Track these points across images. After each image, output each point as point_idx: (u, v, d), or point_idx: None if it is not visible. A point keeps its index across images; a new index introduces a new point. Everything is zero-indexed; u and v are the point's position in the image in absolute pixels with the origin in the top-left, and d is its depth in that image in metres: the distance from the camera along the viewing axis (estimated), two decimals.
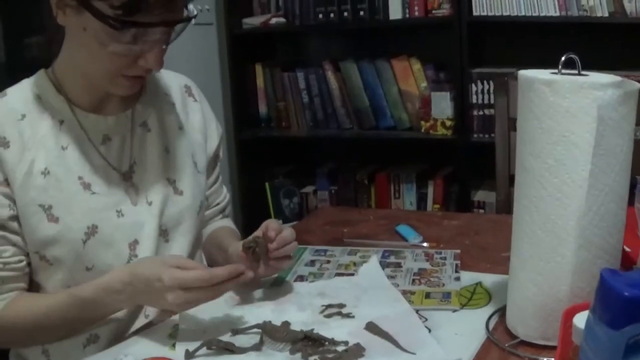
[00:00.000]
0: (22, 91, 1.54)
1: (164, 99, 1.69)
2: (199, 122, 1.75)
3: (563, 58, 1.21)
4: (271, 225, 1.51)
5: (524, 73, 1.23)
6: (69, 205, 1.50)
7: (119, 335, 1.45)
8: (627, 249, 1.35)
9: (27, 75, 1.58)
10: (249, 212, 4.00)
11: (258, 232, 1.51)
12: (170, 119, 1.67)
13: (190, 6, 1.42)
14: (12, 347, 1.62)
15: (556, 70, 1.22)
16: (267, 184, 4.02)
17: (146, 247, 1.56)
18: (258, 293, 1.56)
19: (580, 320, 0.99)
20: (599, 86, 1.15)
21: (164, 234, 1.60)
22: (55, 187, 1.49)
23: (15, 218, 1.48)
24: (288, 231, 1.53)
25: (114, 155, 1.57)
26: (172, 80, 1.74)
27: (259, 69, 4.01)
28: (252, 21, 3.89)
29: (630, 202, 1.25)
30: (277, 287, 1.59)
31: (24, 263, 1.51)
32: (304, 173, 4.09)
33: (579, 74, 1.21)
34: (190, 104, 1.75)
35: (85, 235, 1.50)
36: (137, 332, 1.45)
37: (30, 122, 1.50)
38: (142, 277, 1.38)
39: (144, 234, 1.57)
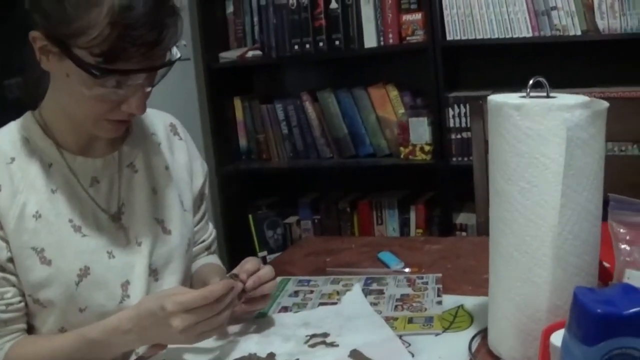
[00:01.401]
0: (10, 134, 1.55)
1: (150, 138, 1.70)
2: (185, 161, 1.76)
3: (531, 82, 1.23)
4: (245, 266, 1.52)
5: (493, 98, 1.25)
6: (61, 248, 1.51)
7: None
8: (606, 265, 1.36)
9: (7, 117, 1.59)
10: (233, 245, 4.00)
11: (236, 270, 1.52)
12: (156, 159, 1.69)
13: (174, 49, 1.43)
14: None
15: (525, 94, 1.24)
16: (250, 216, 4.02)
17: (137, 287, 1.57)
18: (242, 326, 1.57)
19: (557, 338, 1.01)
20: (567, 108, 1.17)
21: (153, 273, 1.62)
22: (46, 230, 1.50)
23: (11, 260, 1.48)
24: (265, 270, 1.54)
25: (102, 197, 1.58)
26: (157, 119, 1.75)
27: (237, 102, 4.03)
28: (229, 55, 3.91)
29: (604, 218, 1.27)
30: (261, 319, 1.60)
31: (23, 304, 1.51)
32: (286, 204, 4.10)
33: (548, 96, 1.23)
34: (175, 142, 1.77)
35: (77, 277, 1.51)
36: None
37: (19, 165, 1.51)
38: (146, 311, 1.39)
39: (134, 274, 1.58)
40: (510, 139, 1.20)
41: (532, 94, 1.24)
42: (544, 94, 1.24)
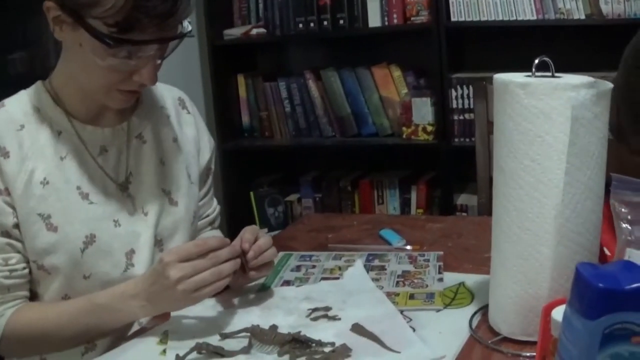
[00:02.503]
0: (20, 102, 1.56)
1: (159, 111, 1.72)
2: (193, 135, 1.78)
3: (536, 61, 1.24)
4: (245, 236, 1.53)
5: (499, 76, 1.26)
6: (68, 215, 1.52)
7: (116, 343, 1.46)
8: (607, 252, 1.37)
9: (10, 91, 1.60)
10: (234, 222, 4.01)
11: (236, 241, 1.53)
12: (165, 131, 1.70)
13: (185, 22, 1.44)
14: (16, 357, 1.64)
15: (530, 73, 1.25)
16: (251, 193, 4.04)
17: (142, 256, 1.59)
18: (245, 299, 1.59)
19: (559, 313, 1.02)
20: (572, 87, 1.17)
21: (158, 243, 1.63)
22: (54, 197, 1.51)
23: (18, 226, 1.50)
24: (264, 239, 1.55)
25: (110, 166, 1.59)
26: (166, 92, 1.77)
27: (240, 79, 4.03)
28: (233, 32, 3.91)
29: (606, 199, 1.28)
30: (263, 293, 1.62)
31: (27, 270, 1.53)
32: (288, 181, 4.11)
33: (553, 76, 1.24)
34: (183, 116, 1.78)
35: (83, 244, 1.52)
36: (128, 339, 1.46)
37: (29, 132, 1.52)
38: (149, 271, 1.44)
39: (140, 243, 1.59)
40: (516, 117, 1.21)
41: (537, 73, 1.24)
42: (549, 74, 1.25)
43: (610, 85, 1.22)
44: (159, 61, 1.46)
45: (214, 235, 1.89)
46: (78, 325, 1.48)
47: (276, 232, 2.06)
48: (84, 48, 1.40)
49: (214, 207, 1.94)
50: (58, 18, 1.40)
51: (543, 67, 1.24)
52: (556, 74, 1.25)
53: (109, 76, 1.44)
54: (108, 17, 1.33)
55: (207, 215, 1.90)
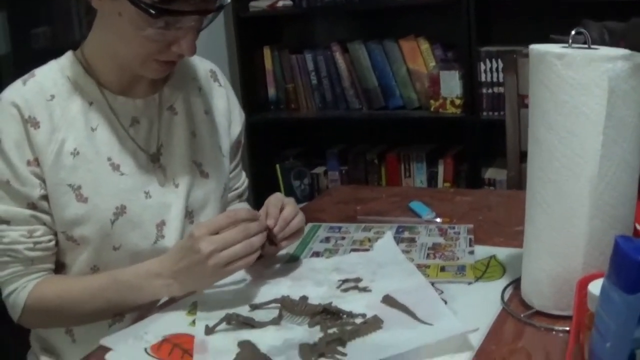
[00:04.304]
0: (51, 72, 1.55)
1: (190, 83, 1.71)
2: (224, 107, 1.77)
3: (573, 32, 1.22)
4: (270, 211, 1.52)
5: (535, 47, 1.24)
6: (98, 186, 1.52)
7: (144, 316, 1.45)
8: (639, 227, 1.36)
9: (34, 65, 1.59)
10: (260, 194, 3.98)
11: (262, 211, 1.53)
12: (196, 103, 1.70)
13: None
14: (37, 328, 1.65)
15: (566, 45, 1.23)
16: (277, 166, 4.04)
17: (173, 228, 1.59)
18: (274, 270, 1.59)
19: (595, 287, 1.01)
20: (609, 59, 1.16)
21: (189, 215, 1.63)
22: (84, 168, 1.51)
23: (45, 198, 1.50)
24: (289, 209, 1.54)
25: (142, 138, 1.59)
26: (198, 64, 1.76)
27: (267, 51, 4.02)
28: (259, 4, 3.90)
29: None
30: (292, 264, 1.61)
31: (53, 243, 1.53)
32: (314, 154, 4.11)
33: (589, 48, 1.22)
34: (215, 88, 1.77)
35: (114, 215, 1.53)
36: (157, 309, 1.46)
37: (59, 102, 1.52)
38: (176, 247, 1.44)
39: (170, 215, 1.59)
40: (553, 88, 1.19)
41: (573, 45, 1.23)
42: (585, 46, 1.23)
43: None
44: (197, 32, 1.45)
45: (243, 208, 1.89)
46: (100, 301, 1.49)
47: (303, 205, 2.05)
48: (122, 17, 1.40)
49: (242, 180, 1.94)
50: None
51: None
52: (592, 46, 1.23)
53: (148, 46, 1.43)
54: None
55: (236, 188, 1.91)
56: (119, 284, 1.47)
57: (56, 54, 1.59)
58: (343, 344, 1.22)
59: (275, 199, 1.56)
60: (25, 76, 1.55)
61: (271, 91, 4.06)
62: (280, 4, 3.87)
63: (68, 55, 1.57)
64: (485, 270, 1.51)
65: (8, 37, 3.06)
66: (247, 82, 3.96)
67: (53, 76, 1.55)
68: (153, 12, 1.35)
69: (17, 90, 1.51)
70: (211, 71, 1.79)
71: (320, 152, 4.06)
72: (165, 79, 1.64)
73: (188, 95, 1.69)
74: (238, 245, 1.37)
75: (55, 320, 1.57)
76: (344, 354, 1.19)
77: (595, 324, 0.97)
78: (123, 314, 1.55)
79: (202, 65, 1.78)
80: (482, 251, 1.61)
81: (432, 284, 1.43)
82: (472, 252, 1.61)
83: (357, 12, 3.97)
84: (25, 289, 1.50)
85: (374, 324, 1.27)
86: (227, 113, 1.78)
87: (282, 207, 1.53)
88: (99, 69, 1.55)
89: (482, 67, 3.47)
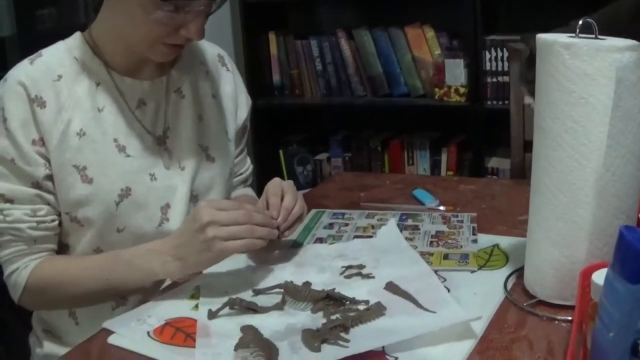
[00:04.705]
0: (58, 52, 1.55)
1: (198, 66, 1.71)
2: (231, 92, 1.77)
3: (580, 22, 1.22)
4: (270, 201, 1.52)
5: (542, 36, 1.24)
6: (104, 167, 1.52)
7: (147, 299, 1.46)
8: None
9: (39, 47, 1.58)
10: (263, 180, 3.97)
11: (262, 199, 1.54)
12: (203, 86, 1.70)
13: None
14: (37, 309, 1.65)
15: (574, 35, 1.23)
16: (281, 152, 4.04)
17: (178, 211, 1.59)
18: (278, 255, 1.59)
19: (599, 277, 1.01)
20: (617, 49, 1.16)
21: (194, 199, 1.63)
22: (90, 149, 1.51)
23: (50, 177, 1.50)
24: (289, 197, 1.54)
25: (148, 120, 1.59)
26: (206, 48, 1.76)
27: (272, 37, 4.01)
28: None
29: None
30: (296, 249, 1.62)
31: (56, 223, 1.53)
32: (317, 140, 4.10)
33: (597, 38, 1.22)
34: (223, 73, 1.77)
35: (118, 197, 1.53)
36: (160, 293, 1.47)
37: (66, 83, 1.52)
38: (180, 227, 1.45)
39: (176, 198, 1.59)
40: (559, 77, 1.19)
41: (580, 35, 1.23)
42: (592, 36, 1.23)
43: None
44: (205, 16, 1.45)
45: (246, 193, 1.90)
46: (99, 280, 1.49)
47: (306, 191, 2.05)
48: (131, 0, 1.40)
49: (247, 166, 1.94)
50: None
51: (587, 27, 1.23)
52: (599, 36, 1.23)
53: (157, 29, 1.43)
54: None
55: (241, 174, 1.91)
56: (117, 262, 1.47)
57: (61, 35, 1.59)
58: (346, 330, 1.22)
59: (274, 187, 1.56)
60: (33, 56, 1.54)
61: (276, 77, 4.05)
62: None
63: (76, 36, 1.57)
64: (488, 259, 1.52)
65: (13, 18, 3.06)
66: (252, 67, 3.95)
67: (60, 56, 1.54)
68: None
69: (24, 69, 1.51)
70: (219, 55, 1.79)
71: (324, 139, 4.06)
72: (173, 61, 1.64)
73: (195, 79, 1.68)
74: (240, 226, 1.37)
75: (56, 301, 1.56)
76: (347, 340, 1.20)
77: (599, 314, 0.97)
78: (125, 296, 1.56)
79: (210, 49, 1.77)
80: (486, 240, 1.62)
81: (435, 271, 1.43)
82: (475, 241, 1.61)
83: None
84: (26, 269, 1.50)
85: (376, 310, 1.28)
86: (234, 98, 1.78)
87: (282, 195, 1.53)
88: (107, 50, 1.55)
89: (487, 55, 3.47)
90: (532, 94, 1.69)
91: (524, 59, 1.96)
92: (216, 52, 1.79)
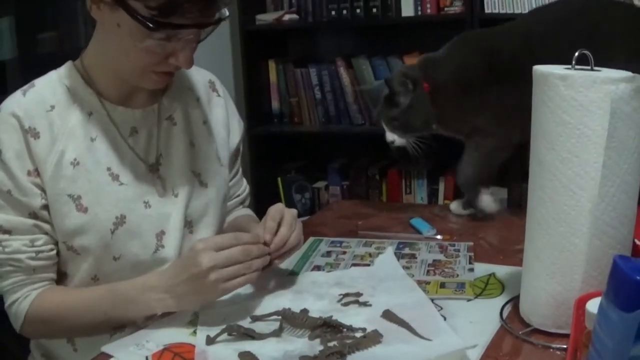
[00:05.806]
0: (51, 82, 1.56)
1: (189, 93, 1.72)
2: (223, 117, 1.78)
3: (576, 54, 1.24)
4: (267, 224, 1.51)
5: (539, 68, 1.26)
6: (98, 196, 1.53)
7: (146, 324, 1.46)
8: (638, 242, 1.37)
9: (39, 70, 1.60)
10: (261, 207, 3.98)
11: (259, 228, 1.53)
12: (195, 113, 1.70)
13: (224, 8, 1.44)
14: (39, 338, 1.65)
15: (570, 66, 1.25)
16: (279, 179, 4.03)
17: (172, 237, 1.60)
18: (276, 282, 1.60)
19: (594, 305, 1.02)
20: (612, 80, 1.17)
21: (189, 225, 1.64)
22: (84, 178, 1.52)
23: (46, 207, 1.51)
24: (285, 228, 1.52)
25: (141, 148, 1.60)
26: (196, 75, 1.76)
27: (271, 64, 4.02)
28: (265, 17, 3.91)
29: None
30: (294, 277, 1.63)
31: (55, 252, 1.54)
32: (315, 168, 4.09)
33: (592, 70, 1.24)
34: (214, 99, 1.78)
35: (113, 225, 1.53)
36: (159, 318, 1.47)
37: (59, 113, 1.53)
38: (176, 261, 1.46)
39: (170, 225, 1.60)
40: (555, 109, 1.21)
41: (576, 66, 1.24)
42: (588, 68, 1.24)
43: None
44: (195, 45, 1.46)
45: (247, 214, 1.91)
46: (97, 313, 1.49)
47: (304, 219, 2.06)
48: (121, 29, 1.40)
49: (244, 187, 1.95)
50: None
51: (583, 58, 1.24)
52: (595, 68, 1.24)
53: (145, 58, 1.43)
54: (150, 0, 1.33)
55: (238, 195, 1.93)
56: (114, 296, 1.48)
57: (62, 59, 1.60)
58: (343, 358, 1.23)
59: (275, 211, 1.56)
60: (25, 87, 1.55)
61: (275, 104, 4.06)
62: (286, 17, 3.88)
63: (67, 66, 1.58)
64: (484, 288, 1.53)
65: (15, 41, 3.08)
66: (252, 95, 3.96)
67: (52, 86, 1.55)
68: (151, 25, 1.35)
69: (17, 100, 1.52)
70: (210, 81, 1.80)
71: (322, 167, 4.05)
72: (164, 89, 1.65)
73: (186, 106, 1.69)
74: (239, 265, 1.38)
75: (56, 331, 1.57)
76: None
77: (593, 342, 0.98)
78: (123, 326, 1.56)
79: (201, 76, 1.78)
80: (482, 269, 1.63)
81: (432, 300, 1.44)
82: (471, 270, 1.62)
83: (362, 27, 3.97)
84: (27, 299, 1.51)
85: (373, 338, 1.29)
86: (226, 123, 1.79)
87: (281, 219, 1.53)
88: (99, 79, 1.56)
89: None
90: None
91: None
92: (207, 78, 1.80)
